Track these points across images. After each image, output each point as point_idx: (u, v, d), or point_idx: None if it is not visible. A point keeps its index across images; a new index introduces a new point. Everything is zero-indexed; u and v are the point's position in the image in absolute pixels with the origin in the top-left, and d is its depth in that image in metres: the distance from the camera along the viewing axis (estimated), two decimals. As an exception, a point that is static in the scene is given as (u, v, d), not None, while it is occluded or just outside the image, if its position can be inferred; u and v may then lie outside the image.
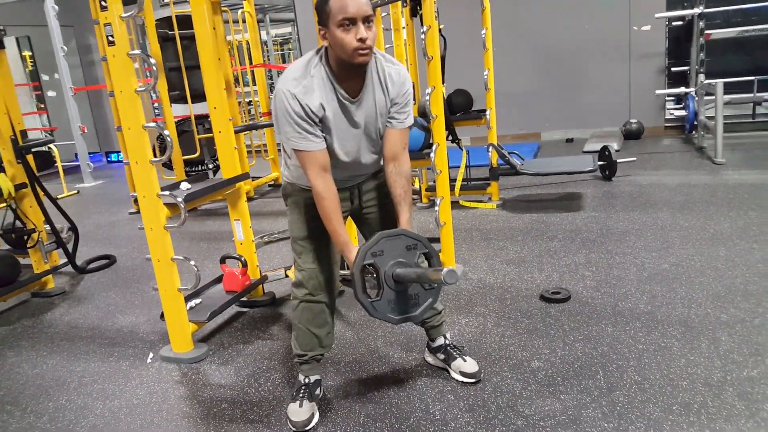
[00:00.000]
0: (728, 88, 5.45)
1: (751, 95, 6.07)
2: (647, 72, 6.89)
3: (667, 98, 6.96)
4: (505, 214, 4.51)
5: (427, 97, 3.14)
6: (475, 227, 4.26)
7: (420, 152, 3.50)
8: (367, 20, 1.73)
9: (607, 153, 5.08)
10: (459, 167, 4.69)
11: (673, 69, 6.83)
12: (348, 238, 1.91)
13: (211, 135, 5.21)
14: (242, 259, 2.99)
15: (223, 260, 3.02)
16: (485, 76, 4.49)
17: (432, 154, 3.18)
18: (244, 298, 3.07)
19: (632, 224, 3.89)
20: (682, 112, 6.69)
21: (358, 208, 2.17)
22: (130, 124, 2.35)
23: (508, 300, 2.93)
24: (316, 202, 1.90)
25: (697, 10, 6.03)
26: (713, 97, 5.34)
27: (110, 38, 2.30)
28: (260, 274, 3.12)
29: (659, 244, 3.45)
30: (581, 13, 6.94)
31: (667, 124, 7.02)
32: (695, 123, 6.23)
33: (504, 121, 6.84)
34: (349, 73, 1.83)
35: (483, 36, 4.43)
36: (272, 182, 6.58)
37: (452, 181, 4.72)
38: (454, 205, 4.72)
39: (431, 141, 3.28)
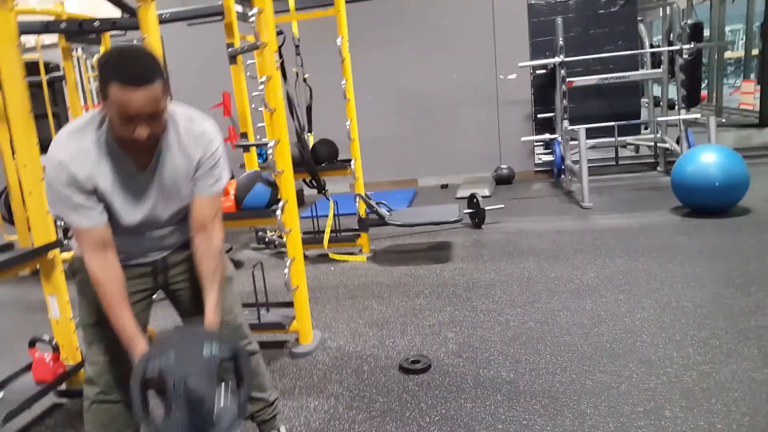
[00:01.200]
0: (591, 133, 5.61)
1: (612, 139, 6.32)
2: (515, 119, 7.01)
3: (536, 143, 7.13)
4: (375, 268, 4.23)
5: (270, 152, 2.83)
6: (342, 283, 3.93)
7: (267, 209, 3.14)
8: (151, 117, 1.42)
9: (475, 201, 4.98)
10: (327, 218, 4.41)
11: (539, 115, 7.02)
12: (135, 331, 1.54)
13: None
14: (53, 342, 2.47)
15: (32, 344, 2.49)
16: (348, 127, 4.32)
17: (278, 212, 2.83)
18: (63, 387, 2.53)
19: (499, 276, 3.72)
20: (551, 157, 6.86)
21: (164, 284, 1.81)
22: None
23: (366, 373, 2.61)
24: (94, 287, 1.54)
25: (557, 59, 6.23)
26: (578, 142, 5.46)
27: None
28: (81, 356, 2.58)
29: (525, 298, 3.28)
30: (449, 63, 6.96)
31: (536, 168, 7.17)
32: (562, 167, 6.37)
33: (379, 167, 6.71)
34: (134, 147, 1.51)
35: (343, 87, 4.26)
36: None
37: (322, 233, 4.43)
38: (324, 258, 4.42)
39: (279, 197, 2.95)
